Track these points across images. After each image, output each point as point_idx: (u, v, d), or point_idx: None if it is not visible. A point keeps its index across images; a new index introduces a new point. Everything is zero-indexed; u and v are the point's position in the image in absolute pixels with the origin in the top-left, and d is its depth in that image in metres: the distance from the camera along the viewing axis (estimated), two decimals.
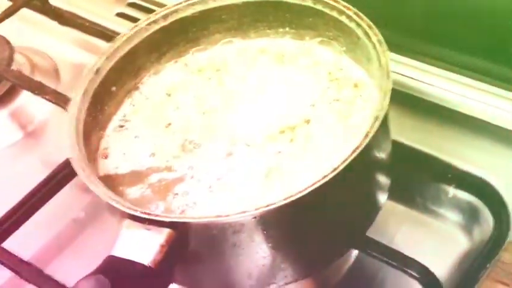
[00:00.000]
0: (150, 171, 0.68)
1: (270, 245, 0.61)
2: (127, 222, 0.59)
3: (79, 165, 0.63)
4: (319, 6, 0.72)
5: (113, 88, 0.73)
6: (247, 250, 0.61)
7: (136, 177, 0.68)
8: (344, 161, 0.59)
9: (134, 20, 0.76)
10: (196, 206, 0.64)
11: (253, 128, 0.70)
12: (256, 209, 0.57)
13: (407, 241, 0.75)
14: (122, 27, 0.75)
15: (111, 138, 0.72)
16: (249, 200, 0.63)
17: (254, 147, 0.68)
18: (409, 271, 0.66)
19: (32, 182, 0.81)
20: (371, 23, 0.68)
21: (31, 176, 0.82)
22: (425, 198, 0.79)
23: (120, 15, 1.01)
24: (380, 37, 0.67)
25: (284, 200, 0.57)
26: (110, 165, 0.69)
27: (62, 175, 0.80)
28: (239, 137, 0.69)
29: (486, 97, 0.79)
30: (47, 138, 0.95)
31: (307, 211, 0.60)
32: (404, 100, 0.81)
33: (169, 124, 0.72)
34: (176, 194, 0.66)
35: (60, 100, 0.82)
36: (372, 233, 0.69)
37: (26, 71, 0.99)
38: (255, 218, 0.58)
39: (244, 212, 0.58)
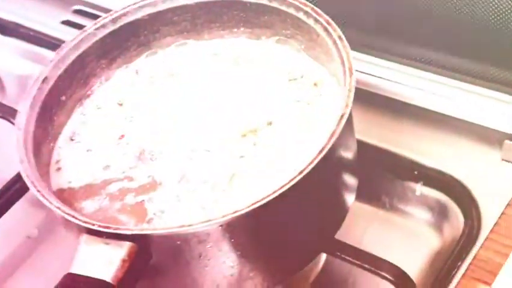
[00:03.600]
0: (105, 184, 0.65)
1: (238, 253, 0.59)
2: (85, 237, 0.56)
3: (31, 179, 0.60)
4: (275, 4, 0.70)
5: (63, 97, 0.70)
6: (214, 260, 0.58)
7: (91, 191, 0.65)
8: (311, 162, 0.57)
9: (80, 27, 0.73)
10: (163, 215, 0.62)
11: (213, 133, 0.67)
12: (222, 217, 0.55)
13: (375, 242, 0.74)
14: (69, 35, 0.72)
15: (63, 150, 0.68)
16: (213, 208, 0.61)
17: (215, 153, 0.65)
18: (382, 273, 0.64)
19: None
20: (329, 19, 0.67)
21: None
22: (392, 197, 0.77)
23: (66, 23, 0.98)
24: (340, 32, 0.66)
25: (251, 205, 0.55)
26: (63, 179, 0.66)
27: (13, 191, 0.76)
28: (198, 143, 0.67)
29: (449, 91, 0.78)
30: None
31: (275, 215, 0.58)
32: (366, 98, 0.79)
33: (123, 136, 0.69)
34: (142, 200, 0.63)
35: (6, 113, 0.79)
36: (339, 235, 0.67)
37: None
38: (221, 226, 0.56)
39: (209, 220, 0.55)
